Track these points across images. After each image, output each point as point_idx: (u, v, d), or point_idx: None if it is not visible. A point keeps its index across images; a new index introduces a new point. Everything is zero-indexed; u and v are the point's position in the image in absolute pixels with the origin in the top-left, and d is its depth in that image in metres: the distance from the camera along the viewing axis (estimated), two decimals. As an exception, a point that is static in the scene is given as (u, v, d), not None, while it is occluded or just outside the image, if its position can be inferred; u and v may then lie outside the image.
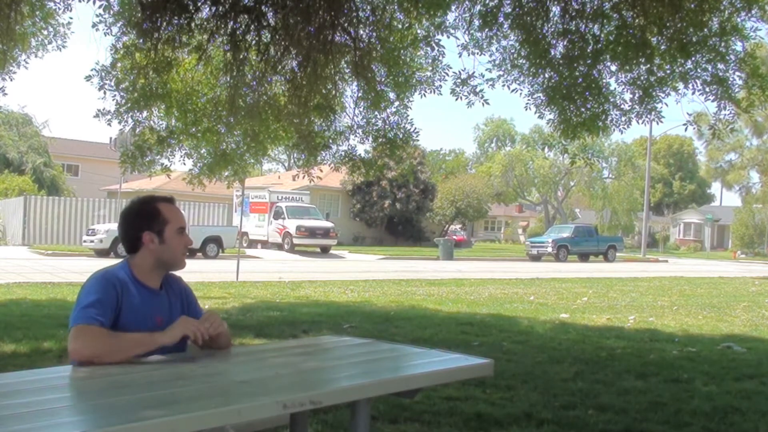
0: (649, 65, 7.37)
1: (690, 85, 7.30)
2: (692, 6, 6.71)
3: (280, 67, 7.86)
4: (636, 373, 5.97)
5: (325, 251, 29.82)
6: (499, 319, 9.51)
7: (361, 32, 7.76)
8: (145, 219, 2.59)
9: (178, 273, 2.73)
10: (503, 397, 4.92)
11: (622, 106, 7.86)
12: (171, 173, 9.86)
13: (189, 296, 2.76)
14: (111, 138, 29.19)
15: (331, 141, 9.13)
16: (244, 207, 23.64)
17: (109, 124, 8.68)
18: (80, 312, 2.38)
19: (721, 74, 7.11)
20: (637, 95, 7.65)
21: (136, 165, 9.07)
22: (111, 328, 2.42)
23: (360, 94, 8.60)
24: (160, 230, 2.58)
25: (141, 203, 2.66)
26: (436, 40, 8.11)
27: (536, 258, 32.67)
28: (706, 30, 6.91)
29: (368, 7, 7.81)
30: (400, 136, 8.86)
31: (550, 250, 32.70)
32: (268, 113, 8.50)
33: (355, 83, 8.56)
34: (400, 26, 8.29)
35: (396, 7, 8.02)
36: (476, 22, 7.64)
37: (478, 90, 7.88)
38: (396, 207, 37.08)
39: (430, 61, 8.48)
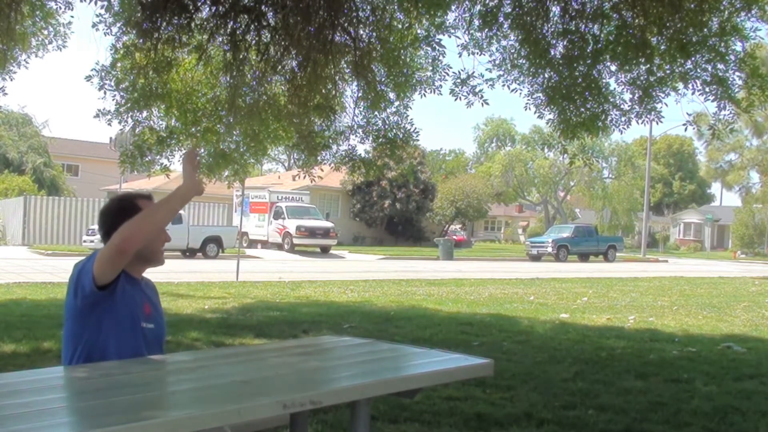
0: (649, 65, 7.37)
1: (690, 85, 7.30)
2: (692, 6, 6.71)
3: (280, 67, 7.86)
4: (636, 373, 5.97)
5: (325, 251, 29.82)
6: (499, 319, 9.51)
7: (361, 32, 7.76)
8: (126, 214, 2.62)
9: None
10: (503, 397, 4.92)
11: (622, 106, 7.86)
12: (170, 173, 9.85)
13: (158, 295, 2.86)
14: (111, 138, 29.22)
15: (331, 141, 9.13)
16: (244, 207, 23.66)
17: (109, 124, 8.69)
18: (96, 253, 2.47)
19: (720, 74, 7.10)
20: (636, 95, 7.65)
21: (135, 165, 9.07)
22: (108, 313, 2.47)
23: (360, 94, 8.60)
24: None
25: (121, 200, 2.73)
26: (437, 40, 8.11)
27: (536, 258, 32.66)
28: (706, 30, 6.91)
29: (368, 7, 7.81)
30: (400, 136, 8.86)
31: (550, 250, 32.69)
32: (268, 113, 8.50)
33: (355, 83, 8.56)
34: (400, 26, 8.29)
35: (396, 7, 8.02)
36: (476, 22, 7.64)
37: (477, 90, 7.88)
38: (396, 207, 37.08)
39: (430, 61, 8.48)
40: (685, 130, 9.19)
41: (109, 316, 2.48)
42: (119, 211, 2.65)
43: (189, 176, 2.56)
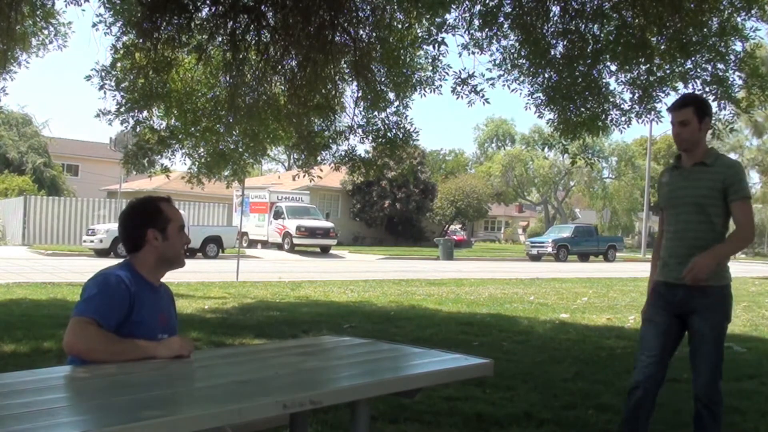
0: (649, 65, 7.38)
1: (690, 85, 7.31)
2: (692, 6, 6.71)
3: (280, 67, 7.86)
4: (636, 373, 5.95)
5: (325, 251, 29.82)
6: (499, 319, 9.51)
7: (361, 32, 7.76)
8: (148, 217, 2.64)
9: (174, 273, 2.76)
10: (503, 397, 4.92)
11: (622, 106, 7.87)
12: (171, 173, 9.86)
13: (174, 303, 2.86)
14: (111, 138, 29.21)
15: (331, 141, 9.14)
16: (244, 207, 23.65)
17: (110, 124, 8.72)
18: (83, 306, 2.42)
19: (720, 74, 7.11)
20: (636, 95, 7.66)
21: (138, 166, 9.09)
22: (122, 324, 2.46)
23: (360, 94, 8.61)
24: (163, 227, 2.64)
25: (143, 202, 2.72)
26: (439, 39, 8.10)
27: (536, 258, 32.67)
28: (706, 30, 6.92)
29: (368, 7, 7.81)
30: (400, 136, 8.86)
31: (550, 250, 32.69)
32: (267, 113, 8.51)
33: (355, 83, 8.57)
34: (400, 26, 8.29)
35: (396, 7, 8.02)
36: (476, 22, 7.64)
37: (478, 89, 7.88)
38: (396, 207, 37.07)
39: (430, 61, 8.49)
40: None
41: (128, 334, 2.47)
42: (142, 213, 2.66)
43: (173, 347, 2.48)
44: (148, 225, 2.62)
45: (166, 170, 9.54)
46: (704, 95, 7.25)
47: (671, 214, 3.53)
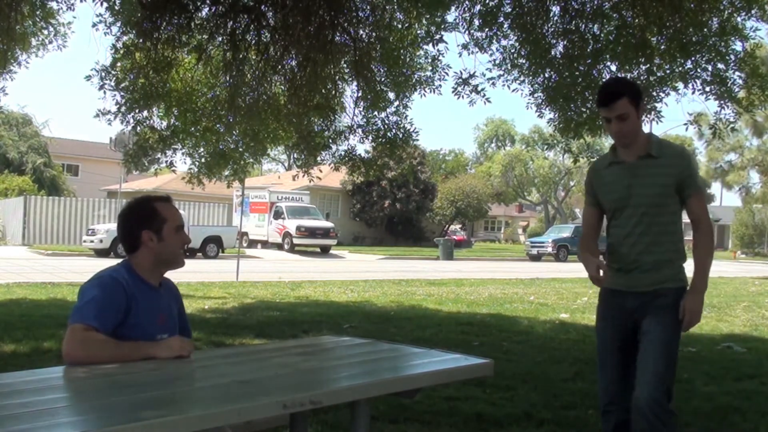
0: (649, 65, 7.38)
1: (690, 85, 7.31)
2: (692, 6, 6.71)
3: (280, 67, 7.87)
4: (636, 373, 5.95)
5: (325, 251, 29.82)
6: (499, 319, 9.51)
7: (361, 32, 7.77)
8: (143, 218, 2.62)
9: (174, 273, 2.75)
10: (503, 397, 4.91)
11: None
12: (176, 169, 9.82)
13: (181, 302, 2.84)
14: (111, 138, 29.19)
15: (331, 141, 9.14)
16: (244, 207, 23.65)
17: (110, 124, 8.73)
18: (79, 312, 2.40)
19: (721, 74, 7.11)
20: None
21: (139, 165, 9.09)
22: (119, 326, 2.45)
23: (360, 94, 8.61)
24: (159, 228, 2.61)
25: (138, 203, 2.70)
26: (437, 38, 8.09)
27: (536, 258, 32.66)
28: (706, 30, 6.91)
29: (368, 7, 7.81)
30: (400, 136, 8.86)
31: (550, 250, 32.69)
32: (267, 113, 8.50)
33: (355, 83, 8.57)
34: (399, 26, 8.29)
35: (396, 6, 8.02)
36: (476, 22, 7.64)
37: (479, 89, 7.87)
38: (396, 207, 37.07)
39: (429, 60, 8.49)
40: (686, 129, 9.28)
41: (124, 336, 2.46)
42: (136, 214, 2.65)
43: (173, 348, 2.47)
44: (143, 226, 2.60)
45: (171, 166, 9.52)
46: (704, 95, 7.26)
47: (620, 216, 3.18)
